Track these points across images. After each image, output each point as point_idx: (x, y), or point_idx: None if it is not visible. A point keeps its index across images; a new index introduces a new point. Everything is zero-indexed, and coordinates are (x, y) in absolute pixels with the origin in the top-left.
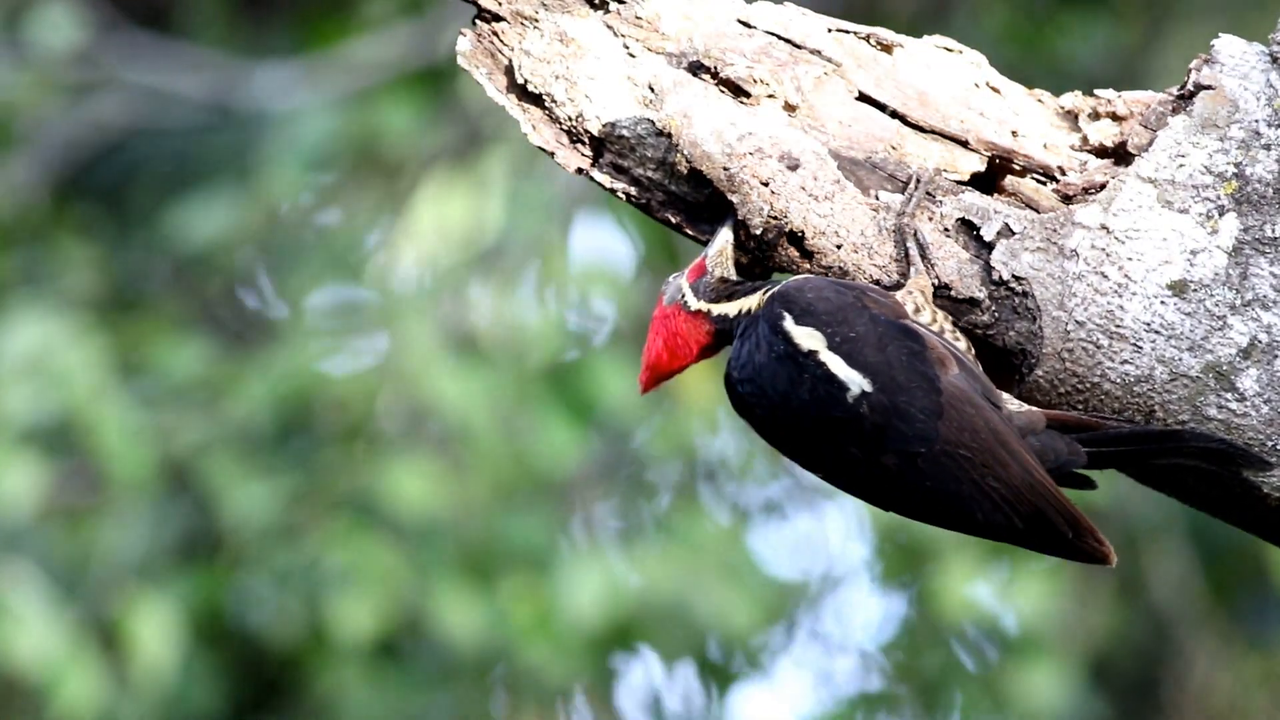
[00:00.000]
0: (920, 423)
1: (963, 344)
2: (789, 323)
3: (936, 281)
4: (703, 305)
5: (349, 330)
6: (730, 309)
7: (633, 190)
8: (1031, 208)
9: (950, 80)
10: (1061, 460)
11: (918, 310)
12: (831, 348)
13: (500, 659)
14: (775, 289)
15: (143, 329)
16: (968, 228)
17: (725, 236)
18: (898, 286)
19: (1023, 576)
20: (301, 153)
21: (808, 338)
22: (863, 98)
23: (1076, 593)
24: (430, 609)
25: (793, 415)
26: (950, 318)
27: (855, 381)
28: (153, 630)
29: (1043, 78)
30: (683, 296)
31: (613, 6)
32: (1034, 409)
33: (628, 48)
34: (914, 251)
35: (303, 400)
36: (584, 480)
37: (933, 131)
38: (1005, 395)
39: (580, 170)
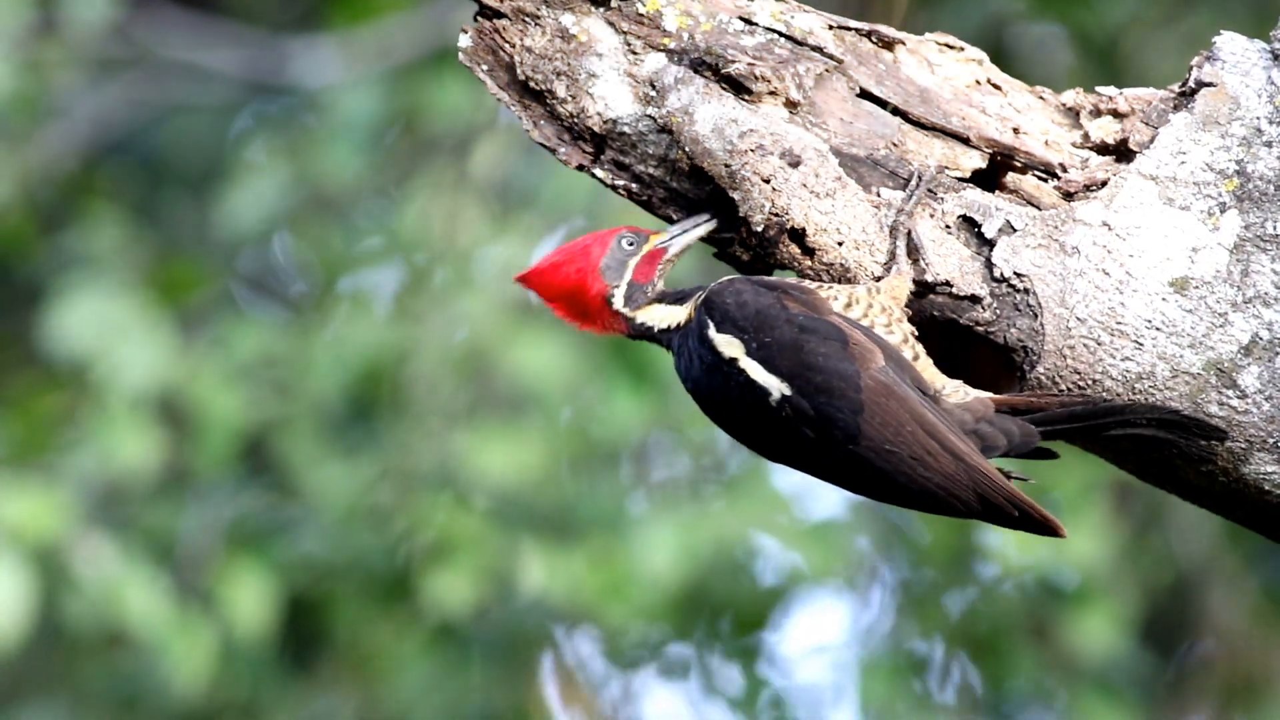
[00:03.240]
0: (841, 422)
1: (897, 336)
2: (711, 330)
3: (934, 279)
4: (627, 311)
5: (410, 304)
6: (655, 318)
7: (634, 187)
8: (1033, 205)
9: (951, 77)
10: (1016, 443)
11: (848, 305)
12: (750, 354)
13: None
14: (704, 294)
15: (199, 305)
16: (969, 225)
17: (695, 236)
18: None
19: (1072, 532)
20: (353, 129)
21: (727, 345)
22: (864, 94)
23: (1126, 549)
24: (521, 574)
25: (737, 416)
26: (889, 310)
27: (774, 386)
28: (248, 597)
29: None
30: (615, 288)
31: (614, 3)
32: (982, 394)
33: (629, 44)
34: (900, 250)
35: (373, 375)
36: (648, 444)
37: (934, 128)
38: (952, 383)
39: (581, 167)
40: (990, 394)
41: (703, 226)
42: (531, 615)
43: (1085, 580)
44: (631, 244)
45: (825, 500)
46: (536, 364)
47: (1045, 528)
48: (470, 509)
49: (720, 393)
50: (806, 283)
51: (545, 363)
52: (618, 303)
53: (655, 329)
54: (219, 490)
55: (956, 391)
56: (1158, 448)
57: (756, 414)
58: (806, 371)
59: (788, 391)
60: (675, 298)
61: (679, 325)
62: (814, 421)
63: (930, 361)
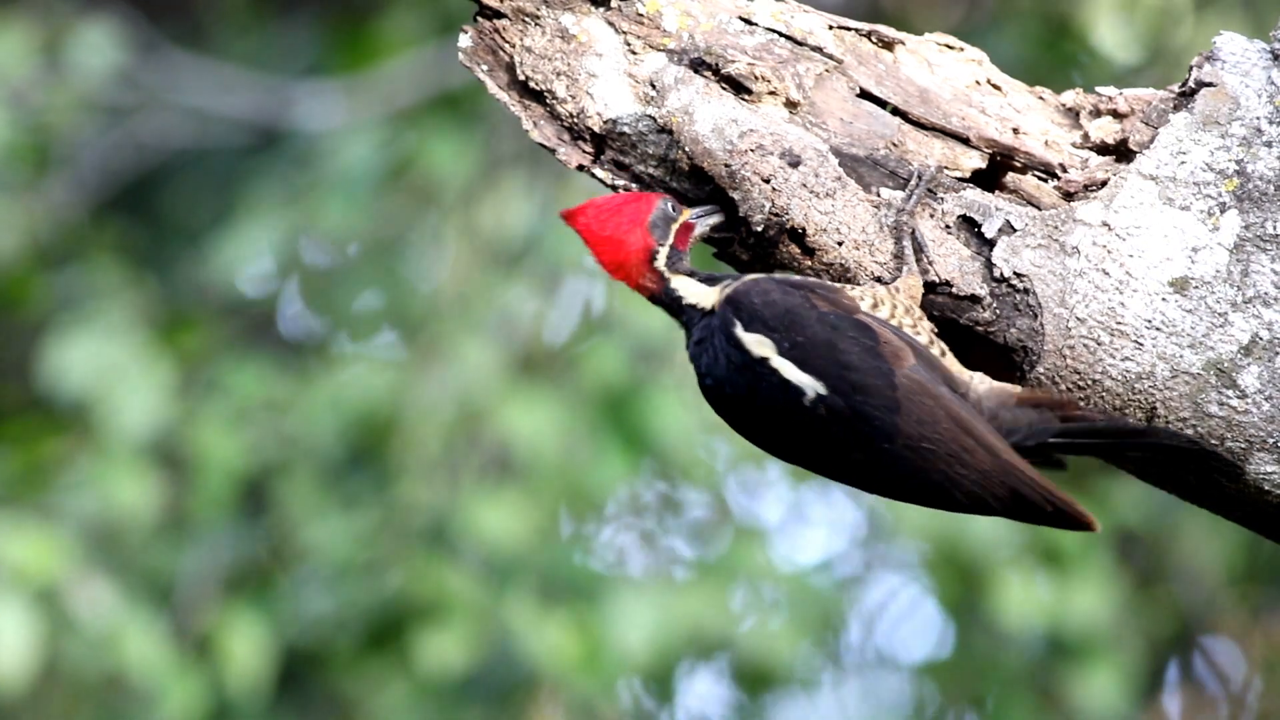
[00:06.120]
0: (878, 420)
1: (924, 336)
2: (739, 330)
3: (938, 279)
4: (668, 273)
5: (406, 355)
6: (687, 291)
7: (634, 187)
8: (1033, 205)
9: (951, 77)
10: (1036, 429)
11: (875, 305)
12: (782, 354)
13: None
14: (729, 290)
15: (199, 349)
16: (969, 225)
17: (710, 223)
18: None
19: (1076, 585)
20: (348, 181)
21: (758, 345)
22: (864, 95)
23: (1129, 601)
24: (514, 637)
25: (762, 417)
26: (913, 310)
27: (809, 386)
28: (245, 644)
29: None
30: (661, 247)
31: (614, 3)
32: (1005, 386)
33: (629, 44)
34: (909, 250)
35: (370, 430)
36: (638, 508)
37: (934, 128)
38: (975, 375)
39: (581, 167)
40: (1014, 390)
41: (714, 217)
42: (523, 671)
43: (1089, 634)
44: (675, 210)
45: (816, 556)
46: (529, 425)
47: (1078, 523)
48: (462, 569)
49: (747, 392)
50: (830, 283)
51: (538, 424)
52: (660, 261)
53: (684, 301)
54: (217, 534)
55: (982, 383)
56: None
57: (786, 415)
58: (842, 370)
59: (823, 391)
60: (705, 278)
61: (704, 310)
62: (849, 420)
63: (953, 357)
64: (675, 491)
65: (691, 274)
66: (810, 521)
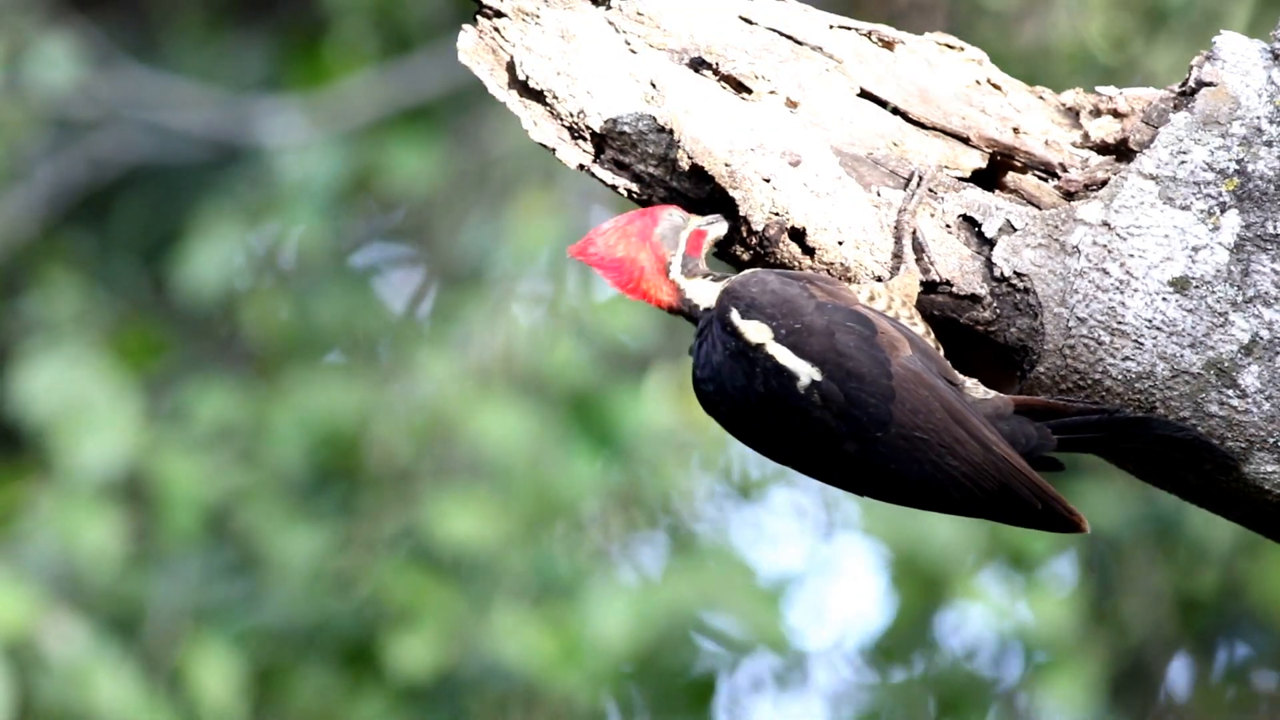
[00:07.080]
0: (873, 407)
1: (920, 328)
2: (735, 317)
3: (938, 278)
4: (682, 279)
5: (374, 366)
6: (700, 296)
7: (634, 186)
8: (1033, 204)
9: (951, 77)
10: (1032, 444)
11: (871, 298)
12: (778, 339)
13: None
14: (728, 283)
15: (163, 372)
16: (969, 224)
17: (720, 231)
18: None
19: (1037, 595)
20: (315, 194)
21: (755, 331)
22: (864, 94)
23: (1093, 610)
24: (489, 640)
25: (753, 409)
26: (908, 306)
27: (804, 371)
28: (215, 671)
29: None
30: (673, 257)
31: (614, 3)
32: (1000, 395)
33: (629, 44)
34: (908, 249)
35: (338, 444)
36: (606, 508)
37: (934, 128)
38: (970, 381)
39: (581, 166)
40: (1009, 395)
41: (721, 225)
42: (494, 677)
43: (1052, 643)
44: (681, 220)
45: (787, 565)
46: (498, 431)
47: (1066, 523)
48: (432, 574)
49: (741, 380)
50: (829, 276)
51: (507, 430)
52: (674, 271)
53: (701, 306)
54: (185, 564)
55: (976, 388)
56: (1170, 464)
57: (779, 407)
58: (838, 357)
59: (818, 377)
60: (716, 279)
61: (710, 307)
62: (843, 407)
63: (946, 361)
64: (643, 492)
65: (706, 275)
66: (773, 524)
